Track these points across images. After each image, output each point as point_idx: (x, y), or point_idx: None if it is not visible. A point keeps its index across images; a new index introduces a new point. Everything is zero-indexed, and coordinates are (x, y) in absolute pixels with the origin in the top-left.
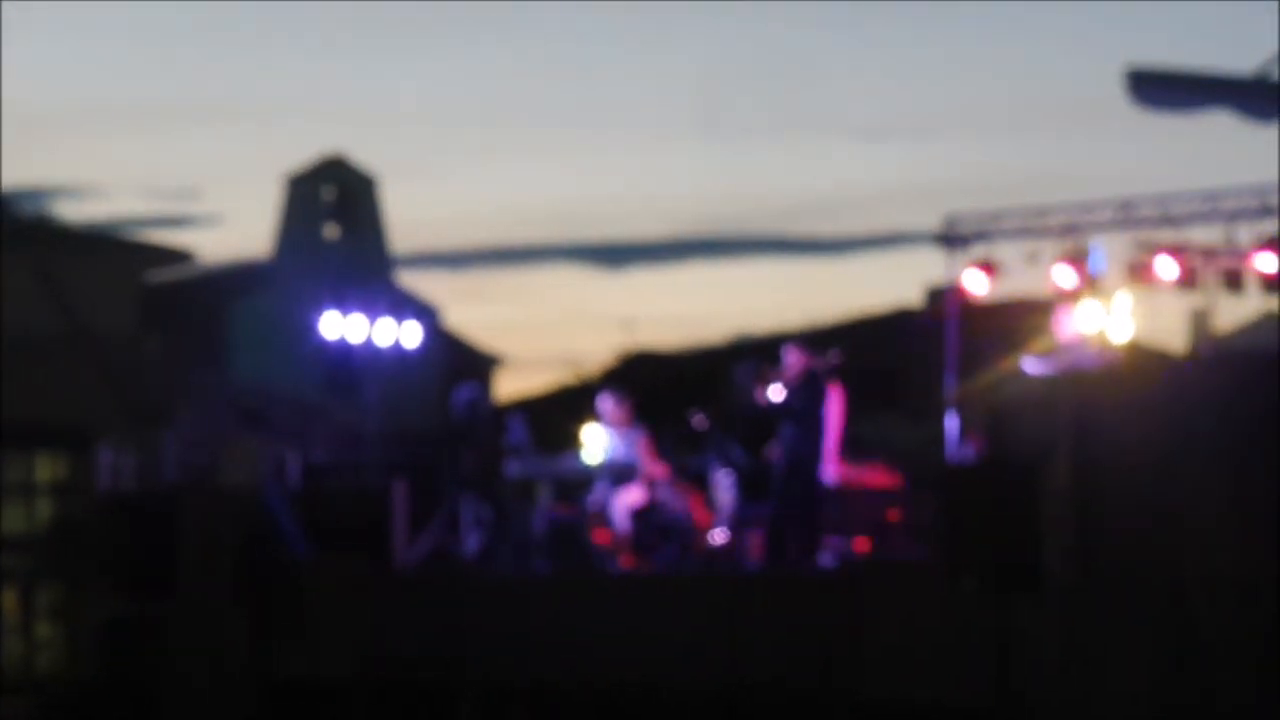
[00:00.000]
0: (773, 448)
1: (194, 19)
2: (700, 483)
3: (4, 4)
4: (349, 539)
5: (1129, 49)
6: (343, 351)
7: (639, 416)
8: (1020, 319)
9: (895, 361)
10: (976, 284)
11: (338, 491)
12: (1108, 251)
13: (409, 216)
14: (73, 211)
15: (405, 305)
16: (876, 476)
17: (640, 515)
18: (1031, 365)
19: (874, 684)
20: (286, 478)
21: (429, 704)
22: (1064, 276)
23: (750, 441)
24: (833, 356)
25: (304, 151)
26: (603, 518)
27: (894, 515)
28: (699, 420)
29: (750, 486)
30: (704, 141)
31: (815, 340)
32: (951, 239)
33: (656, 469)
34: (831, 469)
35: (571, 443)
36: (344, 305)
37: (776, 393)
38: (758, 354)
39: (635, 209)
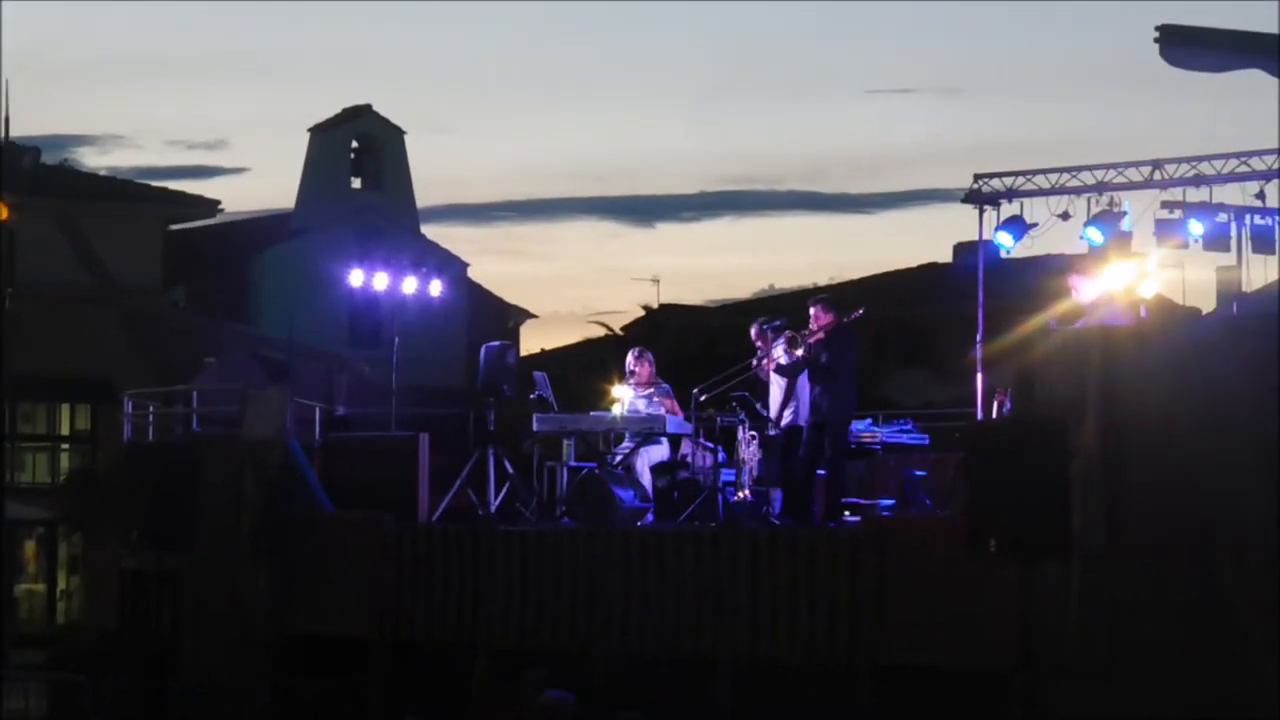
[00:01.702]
0: (790, 404)
1: None
2: (726, 439)
3: None
4: (372, 493)
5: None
6: (367, 304)
7: (664, 373)
8: (1050, 277)
9: (924, 320)
10: (1005, 242)
11: (361, 445)
12: (1137, 211)
13: (436, 170)
14: (99, 161)
15: (431, 258)
16: (904, 435)
17: (665, 472)
18: (1060, 325)
19: (897, 644)
20: (311, 431)
21: (446, 662)
22: (1094, 235)
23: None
24: (857, 313)
25: (331, 105)
26: (628, 474)
27: (921, 474)
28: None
29: (775, 444)
30: (734, 99)
31: (843, 296)
32: (981, 197)
33: (681, 426)
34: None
35: (597, 398)
36: (369, 257)
37: (784, 355)
38: (784, 312)
39: (664, 165)
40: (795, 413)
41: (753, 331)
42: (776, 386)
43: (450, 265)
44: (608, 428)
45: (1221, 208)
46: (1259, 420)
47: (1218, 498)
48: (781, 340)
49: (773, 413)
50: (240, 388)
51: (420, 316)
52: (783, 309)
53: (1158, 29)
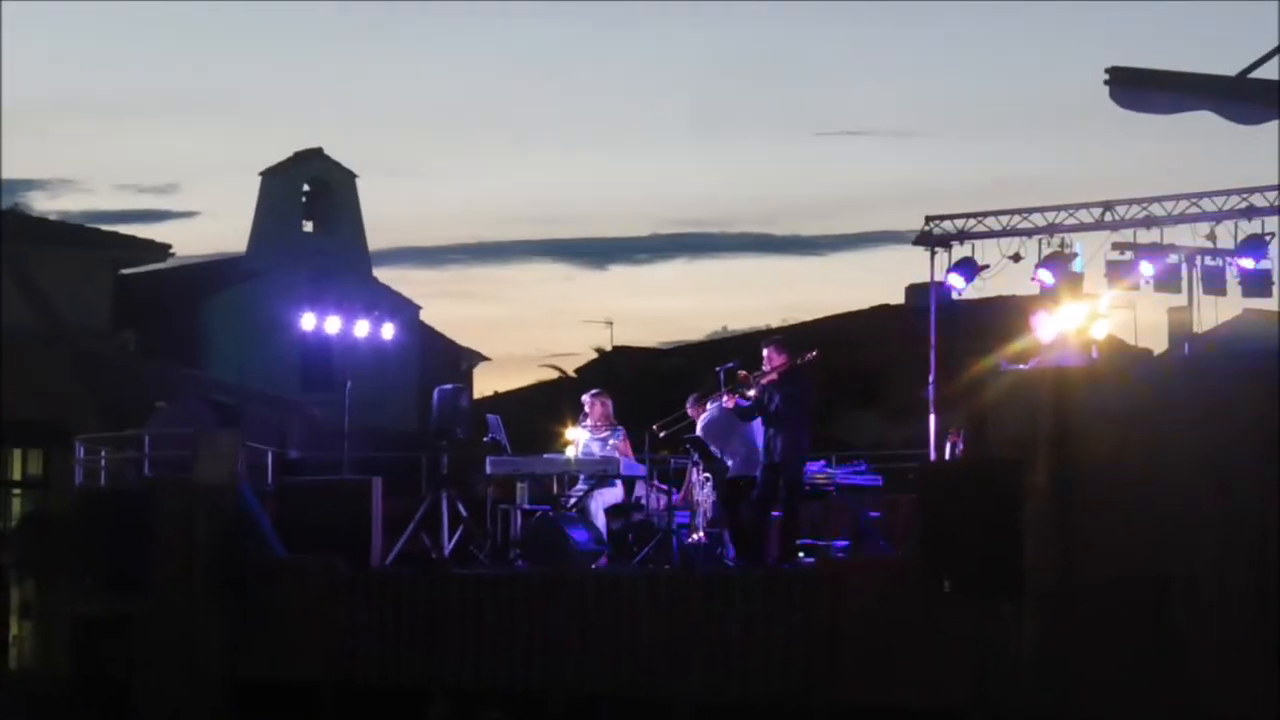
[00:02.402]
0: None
1: (173, 15)
2: (679, 482)
3: None
4: (325, 538)
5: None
6: (320, 347)
7: (619, 415)
8: (1001, 319)
9: (876, 361)
10: (957, 284)
11: (314, 489)
12: (1089, 252)
13: (389, 213)
14: (49, 205)
15: (383, 301)
16: (856, 476)
17: (619, 514)
18: (1012, 365)
19: (852, 685)
20: (263, 475)
21: (401, 705)
22: (1045, 277)
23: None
24: (811, 354)
25: (282, 148)
26: (582, 517)
27: (875, 515)
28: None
29: (728, 487)
30: (686, 141)
31: (796, 338)
32: (932, 239)
33: (635, 468)
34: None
35: (551, 441)
36: (321, 301)
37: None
38: (738, 353)
39: (616, 207)
40: (743, 461)
41: (772, 356)
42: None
43: (403, 308)
44: (561, 470)
45: (1172, 249)
46: (1210, 460)
47: (1170, 537)
48: (718, 398)
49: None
50: (192, 432)
51: (373, 360)
52: (735, 351)
53: (1108, 71)
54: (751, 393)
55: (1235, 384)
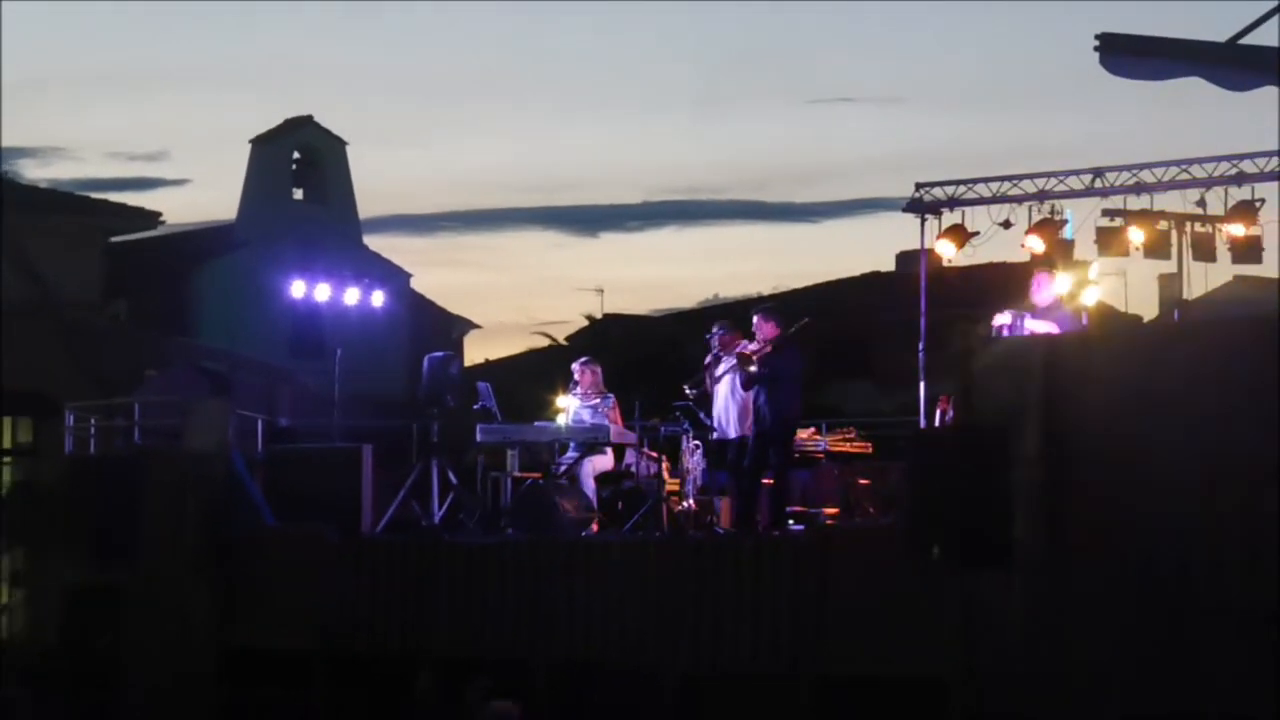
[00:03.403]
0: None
1: None
2: (669, 449)
3: None
4: (315, 506)
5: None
6: (310, 315)
7: (609, 383)
8: (992, 285)
9: (867, 328)
10: (947, 251)
11: (304, 457)
12: (1079, 219)
13: (379, 181)
14: (39, 173)
15: (373, 269)
16: (847, 444)
17: (609, 482)
18: (1007, 318)
19: (840, 653)
20: (253, 443)
21: (390, 674)
22: (1035, 243)
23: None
24: (803, 321)
25: (272, 116)
26: (572, 485)
27: (864, 483)
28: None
29: (718, 453)
30: (678, 109)
31: (787, 305)
32: (922, 206)
33: (625, 436)
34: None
35: (541, 409)
36: (311, 269)
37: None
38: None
39: (607, 175)
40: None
41: (763, 324)
42: (723, 397)
43: (393, 276)
44: (552, 438)
45: (1162, 215)
46: (1200, 428)
47: (1160, 505)
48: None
49: (718, 422)
50: (182, 400)
51: (363, 328)
52: (727, 319)
53: (1098, 37)
54: (754, 368)
55: (1224, 350)
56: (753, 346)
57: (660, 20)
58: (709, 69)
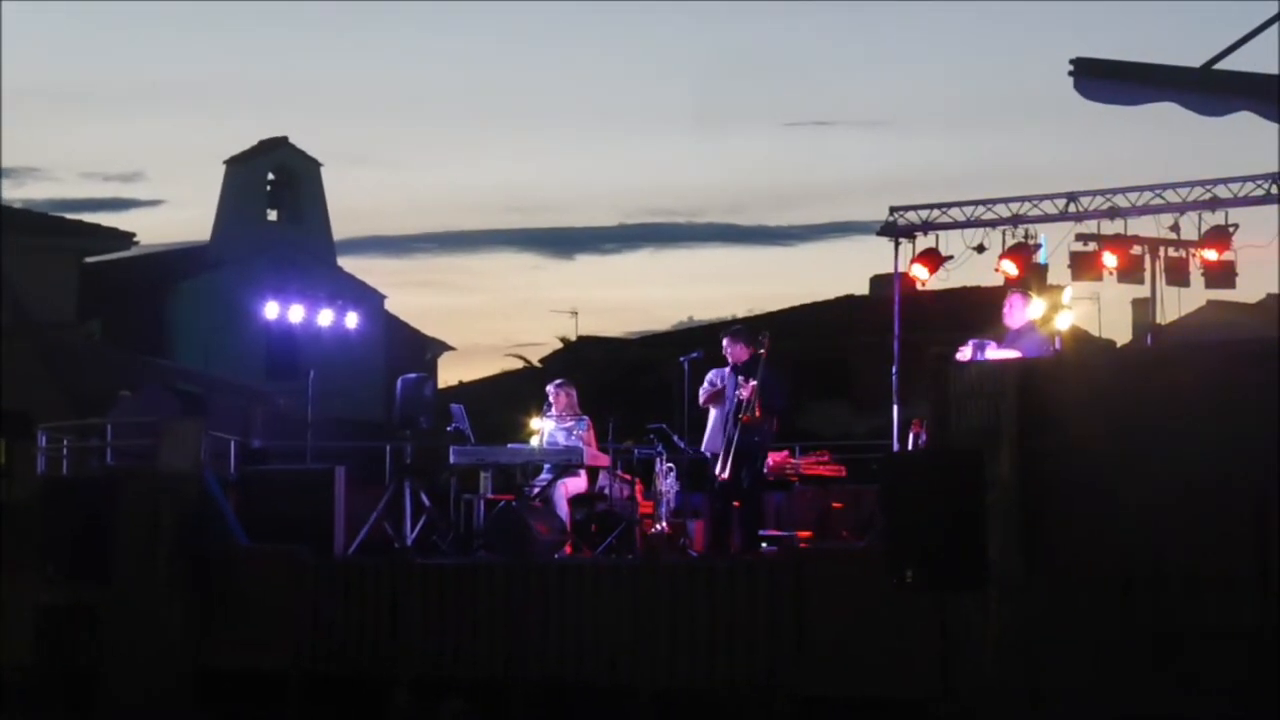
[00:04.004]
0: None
1: (139, 4)
2: (643, 472)
3: None
4: (288, 527)
5: (1076, 45)
6: (284, 337)
7: (583, 405)
8: (965, 309)
9: (841, 351)
10: (921, 274)
11: (277, 478)
12: (1053, 243)
13: (354, 202)
14: (14, 193)
15: (348, 291)
16: (821, 467)
17: (582, 504)
18: (970, 347)
19: (816, 675)
20: (226, 464)
21: (364, 694)
22: (1009, 267)
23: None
24: (763, 339)
25: (247, 137)
26: (545, 507)
27: (838, 506)
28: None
29: (692, 476)
30: (654, 131)
31: (761, 328)
32: (897, 230)
33: (599, 458)
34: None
35: (515, 431)
36: (285, 290)
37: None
38: (702, 345)
39: (583, 197)
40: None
41: (733, 348)
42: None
43: (367, 297)
44: (525, 460)
45: (1136, 240)
46: (1173, 451)
47: (1134, 528)
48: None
49: (706, 445)
50: (155, 420)
51: (337, 349)
52: (700, 342)
53: (1073, 62)
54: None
55: (1198, 375)
56: (745, 393)
57: (638, 43)
58: (687, 92)
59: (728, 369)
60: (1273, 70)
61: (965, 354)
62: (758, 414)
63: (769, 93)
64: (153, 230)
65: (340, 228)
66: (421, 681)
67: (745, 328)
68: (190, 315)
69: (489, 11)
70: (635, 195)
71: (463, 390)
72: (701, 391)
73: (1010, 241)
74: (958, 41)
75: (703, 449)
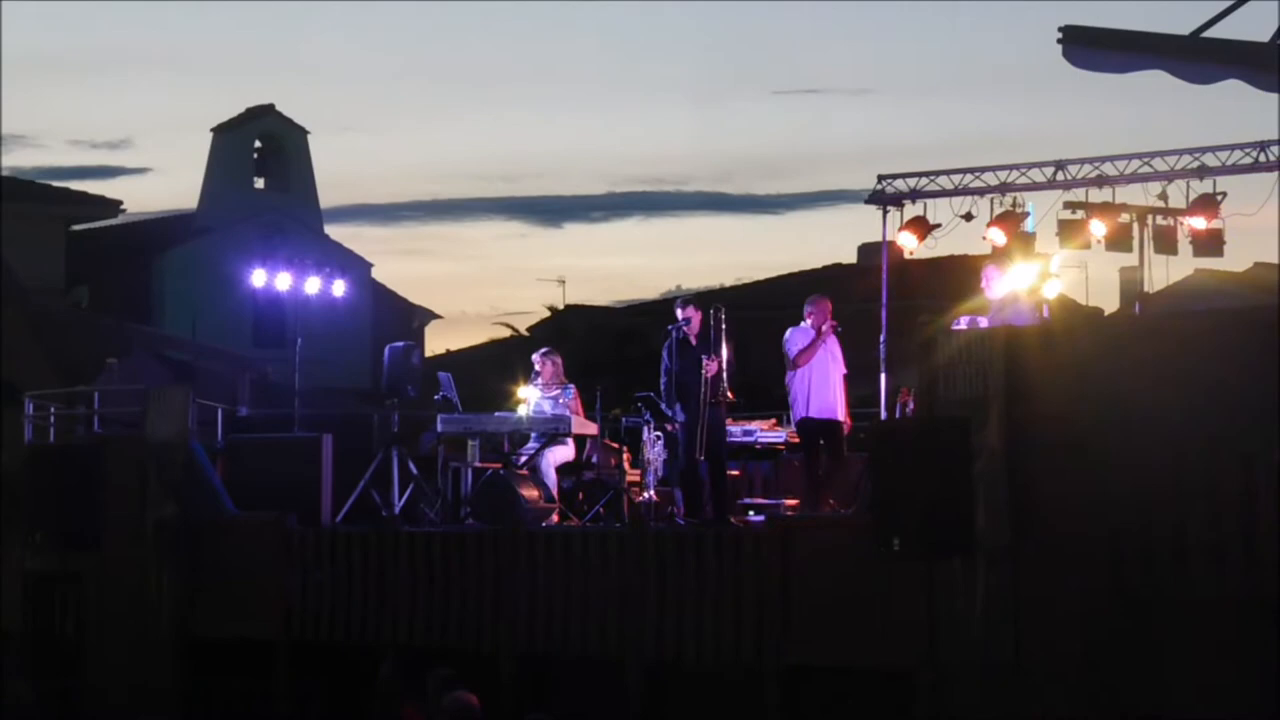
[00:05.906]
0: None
1: None
2: (630, 440)
3: None
4: (276, 495)
5: (1065, 12)
6: (271, 305)
7: (570, 373)
8: (953, 278)
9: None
10: (908, 243)
11: (264, 446)
12: (1040, 212)
13: (340, 170)
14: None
15: (335, 259)
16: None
17: (569, 472)
18: (964, 323)
19: (804, 645)
20: (213, 432)
21: (351, 662)
22: (997, 236)
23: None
24: (717, 311)
25: (234, 104)
26: (533, 475)
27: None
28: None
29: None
30: (643, 99)
31: (750, 297)
32: (885, 198)
33: (586, 426)
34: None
35: (502, 399)
36: (272, 258)
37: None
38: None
39: (572, 165)
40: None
41: (691, 315)
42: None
43: (354, 265)
44: (513, 428)
45: (1124, 208)
46: (1162, 420)
47: (1123, 496)
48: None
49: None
50: (143, 388)
51: (324, 317)
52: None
53: (1061, 30)
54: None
55: (1186, 343)
56: (711, 372)
57: (626, 12)
58: (675, 61)
59: (806, 324)
60: (1261, 38)
61: (961, 325)
62: (730, 396)
63: (758, 61)
64: (140, 198)
65: (327, 195)
66: (409, 650)
67: (692, 296)
68: (177, 283)
69: None
70: (623, 164)
71: (450, 358)
72: (797, 350)
73: (998, 210)
74: (947, 9)
75: (809, 413)
